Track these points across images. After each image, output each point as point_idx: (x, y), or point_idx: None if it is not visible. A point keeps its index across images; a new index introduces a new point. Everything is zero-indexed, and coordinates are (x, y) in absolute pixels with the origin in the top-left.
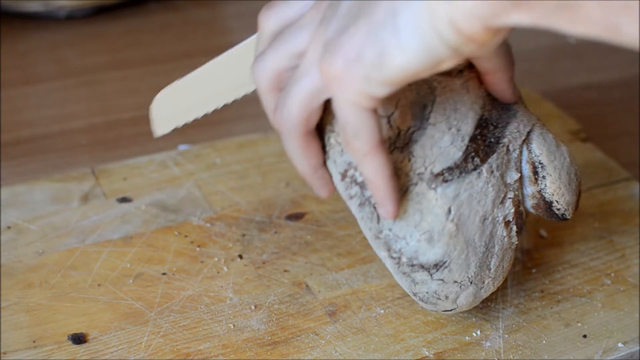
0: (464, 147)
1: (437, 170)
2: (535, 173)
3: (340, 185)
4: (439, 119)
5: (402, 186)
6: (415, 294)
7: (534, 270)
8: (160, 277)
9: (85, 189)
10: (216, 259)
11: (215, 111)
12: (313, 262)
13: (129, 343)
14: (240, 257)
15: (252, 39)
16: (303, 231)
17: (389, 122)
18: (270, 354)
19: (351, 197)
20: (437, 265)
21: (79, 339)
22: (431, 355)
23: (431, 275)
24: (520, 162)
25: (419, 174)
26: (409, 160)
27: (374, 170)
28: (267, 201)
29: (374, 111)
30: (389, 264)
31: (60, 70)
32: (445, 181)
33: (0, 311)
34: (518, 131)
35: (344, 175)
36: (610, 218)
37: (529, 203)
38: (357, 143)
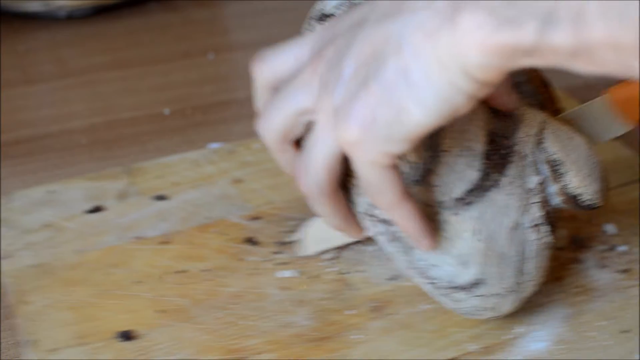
0: (480, 166)
1: (457, 195)
2: (555, 171)
3: (366, 223)
4: (450, 144)
5: (427, 218)
6: (457, 310)
7: (572, 266)
8: (202, 274)
9: (120, 187)
10: (256, 256)
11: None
12: (353, 258)
13: (176, 339)
14: (280, 254)
15: None
16: None
17: (404, 157)
18: (318, 350)
19: (379, 234)
20: (475, 284)
21: (127, 336)
22: (477, 350)
23: (470, 293)
24: (538, 165)
25: (440, 202)
26: (428, 191)
27: (404, 218)
28: (303, 199)
29: (395, 167)
30: (427, 288)
31: (60, 70)
32: (468, 204)
33: (45, 309)
34: (528, 135)
35: (367, 215)
36: None
37: (556, 200)
38: (383, 199)
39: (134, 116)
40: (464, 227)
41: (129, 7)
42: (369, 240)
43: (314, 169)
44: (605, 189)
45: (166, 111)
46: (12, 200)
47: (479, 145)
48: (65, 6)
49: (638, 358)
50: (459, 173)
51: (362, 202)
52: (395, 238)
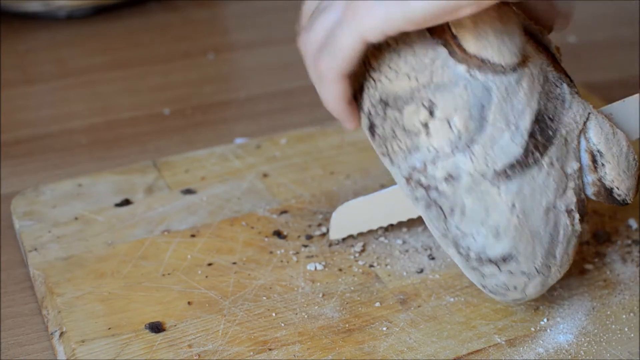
0: (524, 143)
1: (499, 168)
2: (594, 161)
3: (405, 189)
4: (497, 117)
5: (467, 186)
6: (484, 286)
7: (596, 260)
8: (231, 266)
9: (148, 181)
10: (284, 249)
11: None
12: (381, 251)
13: (205, 331)
14: (308, 247)
15: None
16: None
17: (449, 125)
18: (345, 341)
19: (417, 200)
20: (505, 259)
21: (156, 327)
22: (503, 342)
23: (499, 268)
24: (579, 152)
25: (482, 173)
26: (471, 160)
27: (335, 96)
28: (330, 193)
29: (366, 46)
30: (458, 259)
31: (60, 70)
32: (508, 177)
33: (75, 300)
34: (575, 121)
35: (408, 180)
36: None
37: (590, 190)
38: (331, 64)
39: (134, 116)
40: (503, 199)
41: (129, 7)
42: (396, 234)
43: (316, 30)
44: (637, 187)
45: (166, 111)
46: (41, 193)
47: (526, 122)
48: (65, 6)
49: None
50: (503, 147)
51: (406, 167)
52: (432, 204)
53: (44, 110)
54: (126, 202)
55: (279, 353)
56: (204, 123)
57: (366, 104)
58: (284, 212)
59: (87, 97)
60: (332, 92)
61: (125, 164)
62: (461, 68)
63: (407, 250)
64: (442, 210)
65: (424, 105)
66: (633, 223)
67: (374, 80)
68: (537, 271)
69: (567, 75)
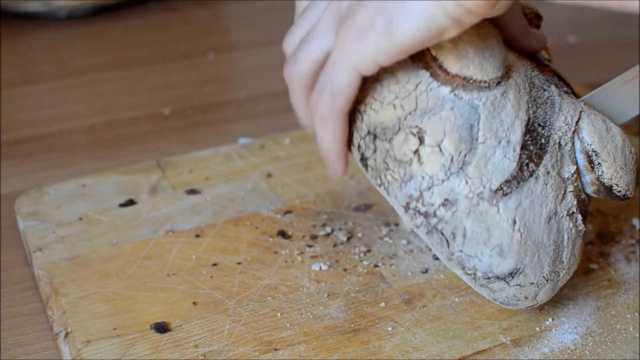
0: (517, 157)
1: (495, 186)
2: (591, 162)
3: (405, 217)
4: (487, 135)
5: (465, 209)
6: (495, 300)
7: (600, 260)
8: (236, 267)
9: (152, 182)
10: (289, 249)
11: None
12: (385, 251)
13: (211, 331)
14: (313, 247)
15: None
16: (372, 222)
17: (441, 150)
18: (351, 341)
19: (418, 227)
20: (512, 274)
21: (162, 327)
22: (508, 342)
23: (508, 283)
24: (574, 154)
25: (478, 194)
26: (466, 182)
27: (333, 135)
28: (334, 193)
29: (361, 80)
30: (466, 279)
31: (60, 70)
32: (505, 194)
33: (80, 301)
34: (566, 124)
35: (406, 208)
36: None
37: (590, 189)
38: (330, 103)
39: (134, 116)
40: (502, 217)
41: (129, 7)
42: (401, 234)
43: (302, 58)
44: (637, 180)
45: (166, 111)
46: (45, 193)
47: (516, 135)
48: (65, 6)
49: None
50: (496, 164)
51: (402, 195)
52: (433, 230)
53: (44, 110)
54: (130, 203)
55: (285, 353)
56: (204, 123)
57: (355, 137)
58: (288, 212)
59: (87, 97)
60: (335, 132)
61: (125, 164)
62: (445, 90)
63: (411, 251)
64: (443, 235)
65: (412, 133)
66: (637, 223)
67: (360, 113)
68: (546, 279)
69: (555, 75)
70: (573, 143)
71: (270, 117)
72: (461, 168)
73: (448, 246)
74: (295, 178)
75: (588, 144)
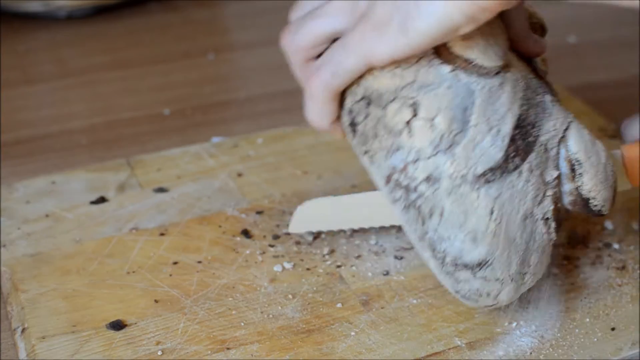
0: (505, 148)
1: (479, 171)
2: (573, 170)
3: (384, 189)
4: (480, 120)
5: (447, 188)
6: (457, 292)
7: (564, 263)
8: (196, 265)
9: (121, 179)
10: (250, 249)
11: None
12: (346, 252)
13: (165, 329)
14: (274, 247)
15: None
16: None
17: (433, 126)
18: (304, 342)
19: (395, 200)
20: (480, 264)
21: (117, 325)
22: (463, 345)
23: (474, 274)
24: (559, 160)
25: (462, 175)
26: (452, 162)
27: (326, 115)
28: (301, 193)
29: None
30: (433, 264)
31: (60, 70)
32: (488, 182)
33: (39, 297)
34: (555, 129)
35: (388, 179)
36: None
37: (567, 200)
38: (327, 80)
39: (134, 116)
40: (482, 203)
41: (129, 7)
42: (368, 235)
43: (305, 31)
44: (613, 198)
45: (166, 111)
46: (14, 190)
47: (507, 127)
48: (65, 6)
49: (625, 355)
50: (484, 150)
51: (386, 165)
52: (411, 205)
53: (44, 110)
54: (102, 200)
55: (237, 352)
56: (204, 123)
57: (348, 100)
58: (252, 211)
59: (87, 97)
60: (324, 112)
61: None
62: (446, 68)
63: (376, 252)
64: (420, 212)
65: (407, 103)
66: (607, 225)
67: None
68: (511, 278)
69: (548, 85)
70: (559, 150)
71: (270, 117)
72: (449, 147)
73: (423, 224)
74: (264, 177)
75: (573, 153)
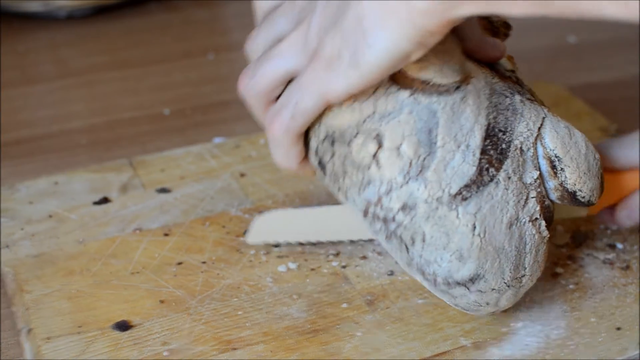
0: (477, 162)
1: (454, 190)
2: (554, 167)
3: (364, 222)
4: (446, 139)
5: (424, 214)
6: (456, 305)
7: (569, 262)
8: (200, 266)
9: (123, 180)
10: (254, 249)
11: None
12: (351, 252)
13: (171, 330)
14: (278, 247)
15: None
16: None
17: (399, 154)
18: (310, 342)
19: (376, 232)
20: (473, 279)
21: (122, 325)
22: (469, 345)
23: (468, 289)
24: (537, 159)
25: (437, 198)
26: (425, 187)
27: (294, 157)
28: (304, 193)
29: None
30: (426, 285)
31: (60, 70)
32: (465, 199)
33: (43, 298)
34: (528, 129)
35: (365, 213)
36: None
37: (554, 196)
38: (287, 123)
39: (134, 116)
40: (462, 222)
41: (129, 7)
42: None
43: (263, 73)
44: (601, 186)
45: (166, 111)
46: (17, 190)
47: (476, 140)
48: (65, 6)
49: (631, 355)
50: (455, 168)
51: (361, 200)
52: (392, 235)
53: (44, 110)
54: (105, 200)
55: (243, 353)
56: (204, 123)
57: (313, 141)
58: (256, 211)
59: (87, 97)
60: (291, 154)
61: None
62: (404, 94)
63: (380, 252)
64: (402, 240)
65: (371, 136)
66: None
67: (318, 117)
68: (507, 285)
69: (518, 83)
70: (536, 149)
71: None
72: (420, 172)
73: (407, 251)
74: (266, 178)
75: (550, 150)
